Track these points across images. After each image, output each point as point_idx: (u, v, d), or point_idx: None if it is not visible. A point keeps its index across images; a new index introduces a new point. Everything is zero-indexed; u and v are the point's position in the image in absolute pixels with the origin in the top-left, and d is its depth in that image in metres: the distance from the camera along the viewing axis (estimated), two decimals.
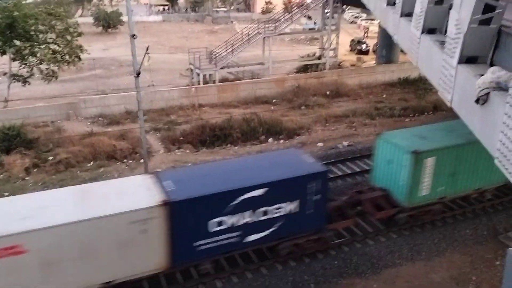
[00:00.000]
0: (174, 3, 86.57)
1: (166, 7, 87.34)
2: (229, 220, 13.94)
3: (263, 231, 14.66)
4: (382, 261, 16.28)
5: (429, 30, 13.47)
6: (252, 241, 14.67)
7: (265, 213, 14.41)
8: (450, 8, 11.19)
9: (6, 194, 19.93)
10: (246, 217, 14.15)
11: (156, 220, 12.79)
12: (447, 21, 11.19)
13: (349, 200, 17.82)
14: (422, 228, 18.04)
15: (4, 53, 29.91)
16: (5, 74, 31.71)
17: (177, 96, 32.67)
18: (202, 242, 13.84)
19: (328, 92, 35.21)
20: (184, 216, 13.18)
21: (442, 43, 11.64)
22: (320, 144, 26.02)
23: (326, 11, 41.07)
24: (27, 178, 22.02)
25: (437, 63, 11.76)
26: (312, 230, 15.72)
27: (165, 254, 13.37)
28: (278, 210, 14.57)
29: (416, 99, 34.31)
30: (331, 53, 41.20)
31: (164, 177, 14.11)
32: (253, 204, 14.10)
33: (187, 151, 25.35)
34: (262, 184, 14.02)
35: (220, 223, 13.84)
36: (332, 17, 40.53)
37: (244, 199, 13.88)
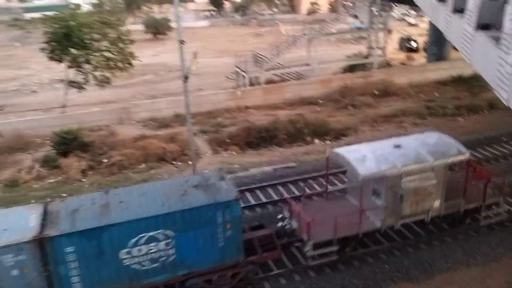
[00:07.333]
0: (220, 8, 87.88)
1: (213, 12, 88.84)
2: None
3: None
4: (435, 265, 15.77)
5: (483, 26, 12.93)
6: None
7: None
8: (505, 3, 10.70)
9: (64, 195, 21.02)
10: None
11: None
12: (503, 16, 10.72)
13: None
14: (478, 232, 17.30)
15: (61, 61, 31.54)
16: (62, 81, 33.42)
17: (224, 99, 33.16)
18: None
19: (376, 92, 34.53)
20: None
21: (497, 39, 11.16)
22: None
23: (373, 9, 40.30)
24: (83, 180, 23.10)
25: (492, 60, 11.27)
26: None
27: None
28: None
29: (470, 97, 32.93)
30: (379, 52, 40.34)
31: None
32: None
33: (234, 152, 25.68)
34: None
35: None
36: (380, 15, 39.69)
37: None
